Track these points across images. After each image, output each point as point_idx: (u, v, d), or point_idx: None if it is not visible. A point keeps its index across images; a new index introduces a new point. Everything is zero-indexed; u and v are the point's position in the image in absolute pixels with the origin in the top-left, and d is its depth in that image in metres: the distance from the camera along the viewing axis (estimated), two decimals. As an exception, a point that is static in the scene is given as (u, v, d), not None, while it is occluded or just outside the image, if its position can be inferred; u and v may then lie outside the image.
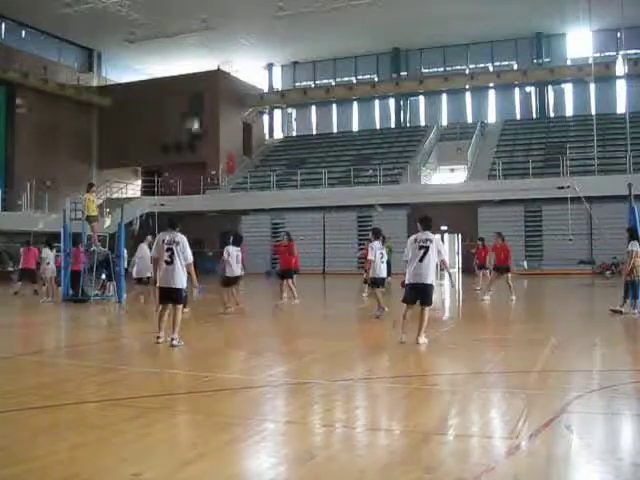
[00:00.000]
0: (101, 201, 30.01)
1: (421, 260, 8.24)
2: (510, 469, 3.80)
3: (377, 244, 12.01)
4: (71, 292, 15.69)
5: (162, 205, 29.86)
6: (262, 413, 5.26)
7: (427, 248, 8.27)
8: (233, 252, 12.92)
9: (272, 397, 5.86)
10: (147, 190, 35.76)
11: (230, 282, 12.96)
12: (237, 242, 13.31)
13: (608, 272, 25.21)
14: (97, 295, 15.89)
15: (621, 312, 11.53)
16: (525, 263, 27.63)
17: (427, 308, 8.35)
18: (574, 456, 4.07)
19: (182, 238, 8.49)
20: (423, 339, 8.22)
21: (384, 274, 12.14)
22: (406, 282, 8.44)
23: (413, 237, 8.54)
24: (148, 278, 13.53)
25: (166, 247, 8.38)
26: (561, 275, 25.98)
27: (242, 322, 12.76)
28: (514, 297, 14.99)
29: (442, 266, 8.88)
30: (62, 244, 16.57)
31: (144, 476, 3.68)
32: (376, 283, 11.99)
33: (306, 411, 5.26)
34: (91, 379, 6.63)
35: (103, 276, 16.33)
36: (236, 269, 12.92)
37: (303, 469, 3.82)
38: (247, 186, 34.30)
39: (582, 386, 5.94)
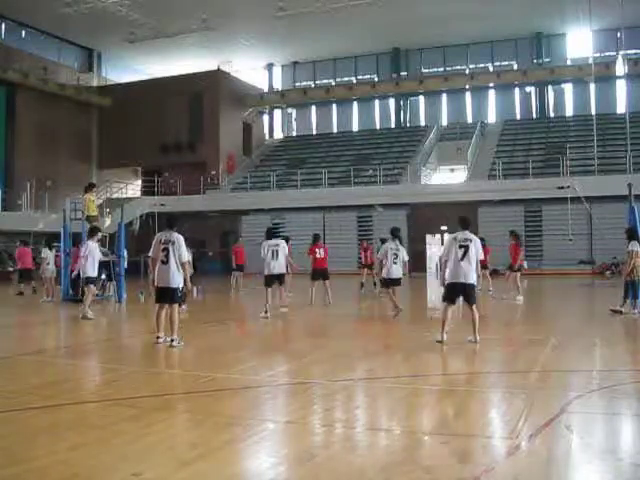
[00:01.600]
0: (101, 201, 30.01)
1: (461, 259, 8.30)
2: (510, 469, 3.80)
3: (390, 244, 11.92)
4: (71, 292, 15.69)
5: (162, 205, 29.86)
6: (262, 413, 5.26)
7: (467, 247, 8.31)
8: (266, 247, 11.91)
9: (272, 397, 5.86)
10: (147, 190, 35.75)
11: (269, 281, 12.01)
12: (271, 236, 12.27)
13: (608, 272, 25.21)
14: (97, 295, 15.87)
15: (621, 312, 11.52)
16: (525, 263, 27.57)
17: (474, 306, 8.40)
18: (574, 456, 4.07)
19: (178, 237, 8.50)
20: (477, 338, 8.31)
21: (396, 274, 11.96)
22: (446, 281, 8.48)
23: (452, 236, 8.63)
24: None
25: (162, 247, 8.42)
26: (561, 275, 25.98)
27: (243, 322, 12.76)
28: (520, 297, 14.95)
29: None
30: (62, 244, 16.58)
31: (144, 476, 3.68)
32: (386, 284, 11.95)
33: (306, 411, 5.26)
34: (91, 379, 6.63)
35: (103, 276, 16.30)
36: (273, 266, 11.89)
37: (303, 469, 3.82)
38: (247, 186, 34.32)
39: (582, 386, 5.93)
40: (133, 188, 38.41)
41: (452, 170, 34.74)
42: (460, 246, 8.35)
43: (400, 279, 12.14)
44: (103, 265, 16.11)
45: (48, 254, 17.55)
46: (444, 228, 31.38)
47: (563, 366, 7.07)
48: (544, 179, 27.88)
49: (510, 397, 5.58)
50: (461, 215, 9.09)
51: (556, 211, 26.93)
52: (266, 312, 11.71)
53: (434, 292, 21.96)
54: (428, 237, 31.88)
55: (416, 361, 7.63)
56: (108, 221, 27.42)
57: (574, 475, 3.83)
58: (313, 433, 4.70)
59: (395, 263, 11.90)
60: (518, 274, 15.54)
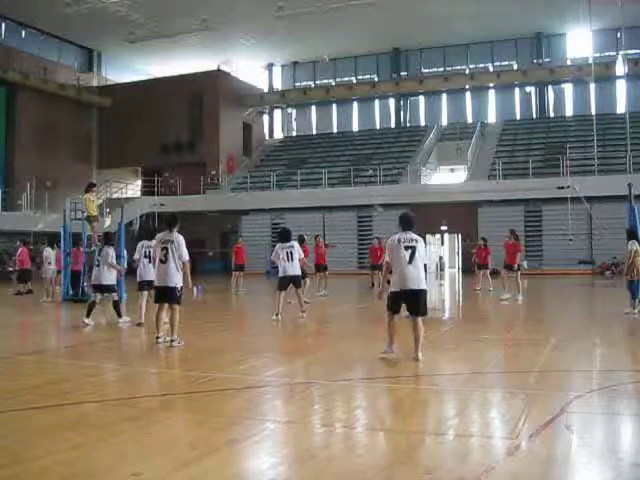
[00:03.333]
0: (101, 201, 30.01)
1: (409, 262, 7.25)
2: (510, 469, 3.80)
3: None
4: (71, 292, 15.68)
5: (162, 205, 29.89)
6: (262, 413, 5.26)
7: (414, 249, 7.32)
8: (279, 249, 11.56)
9: (272, 397, 5.86)
10: (147, 190, 35.76)
11: (283, 284, 11.52)
12: (285, 238, 11.79)
13: (608, 272, 25.22)
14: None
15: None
16: (525, 263, 27.59)
17: (420, 319, 7.30)
18: (574, 456, 4.07)
19: (178, 237, 8.50)
20: (421, 356, 7.25)
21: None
22: (392, 289, 7.40)
23: (396, 237, 7.47)
24: None
25: (161, 246, 8.45)
26: (561, 275, 25.98)
27: (243, 322, 12.76)
28: (520, 297, 14.88)
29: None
30: (62, 244, 16.57)
31: (144, 476, 3.68)
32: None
33: (306, 411, 5.26)
34: (91, 379, 6.62)
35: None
36: (288, 268, 11.44)
37: (303, 469, 3.82)
38: (247, 186, 34.32)
39: (582, 386, 5.93)
40: (133, 188, 38.41)
41: (452, 170, 34.76)
42: (406, 247, 7.30)
43: None
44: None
45: (50, 253, 17.51)
46: (444, 228, 31.42)
47: (563, 366, 7.07)
48: (544, 179, 27.88)
49: (510, 397, 5.57)
50: (403, 213, 7.99)
51: (556, 211, 26.95)
52: (277, 314, 11.23)
53: (434, 292, 21.98)
54: (428, 237, 31.90)
55: (415, 361, 7.62)
56: (108, 221, 27.43)
57: (574, 475, 3.83)
58: (313, 433, 4.70)
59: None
60: (519, 273, 15.52)
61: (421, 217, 29.44)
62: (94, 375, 6.84)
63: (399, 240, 7.40)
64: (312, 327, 11.55)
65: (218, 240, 34.28)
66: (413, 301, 7.30)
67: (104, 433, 4.52)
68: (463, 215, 29.30)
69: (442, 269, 33.20)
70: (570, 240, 24.86)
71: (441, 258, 33.91)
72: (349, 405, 5.53)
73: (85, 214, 15.74)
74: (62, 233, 16.55)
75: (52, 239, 18.78)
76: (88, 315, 10.89)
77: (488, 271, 18.57)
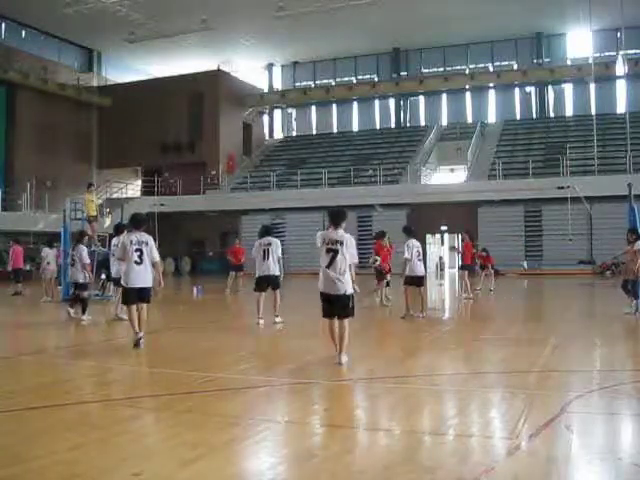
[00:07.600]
0: (101, 201, 30.01)
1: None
2: (510, 469, 3.79)
3: (413, 241, 11.38)
4: (71, 292, 15.63)
5: (162, 205, 29.87)
6: (262, 413, 5.26)
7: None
8: (257, 245, 10.73)
9: (272, 397, 5.86)
10: (147, 190, 35.77)
11: (259, 284, 10.71)
12: (265, 234, 10.86)
13: (608, 272, 25.22)
14: (97, 295, 15.87)
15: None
16: (525, 263, 27.66)
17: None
18: (574, 456, 4.07)
19: (149, 238, 8.53)
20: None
21: (421, 272, 11.46)
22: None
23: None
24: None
25: (135, 247, 8.38)
26: (561, 275, 25.97)
27: (242, 323, 12.75)
28: (471, 296, 15.32)
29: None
30: (62, 244, 16.56)
31: (144, 476, 3.68)
32: (412, 282, 11.35)
33: (306, 411, 5.26)
34: (91, 379, 6.62)
35: (103, 276, 16.29)
36: (263, 267, 10.52)
37: (303, 469, 3.82)
38: (247, 186, 34.32)
39: (582, 386, 5.93)
40: (133, 188, 38.42)
41: (452, 170, 34.77)
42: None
43: (422, 277, 11.55)
44: (103, 265, 16.12)
45: (48, 253, 17.48)
46: (444, 228, 31.42)
47: (563, 366, 7.06)
48: (544, 179, 27.89)
49: (510, 397, 5.57)
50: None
51: (556, 211, 26.95)
52: (259, 319, 10.62)
53: (433, 291, 21.97)
54: (428, 237, 31.90)
55: (416, 361, 7.64)
56: (108, 221, 27.43)
57: (574, 475, 3.83)
58: (313, 433, 4.70)
59: (420, 260, 11.43)
60: (467, 272, 15.66)
61: (421, 217, 29.83)
62: (94, 375, 6.84)
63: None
64: (312, 327, 11.53)
65: (218, 240, 34.27)
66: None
67: (104, 433, 4.52)
68: (463, 215, 29.28)
69: (442, 269, 33.19)
70: (570, 240, 24.86)
71: (441, 258, 33.92)
72: (349, 405, 5.53)
73: (85, 214, 15.76)
74: (62, 233, 16.53)
75: (51, 239, 18.76)
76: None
77: (488, 271, 18.58)
